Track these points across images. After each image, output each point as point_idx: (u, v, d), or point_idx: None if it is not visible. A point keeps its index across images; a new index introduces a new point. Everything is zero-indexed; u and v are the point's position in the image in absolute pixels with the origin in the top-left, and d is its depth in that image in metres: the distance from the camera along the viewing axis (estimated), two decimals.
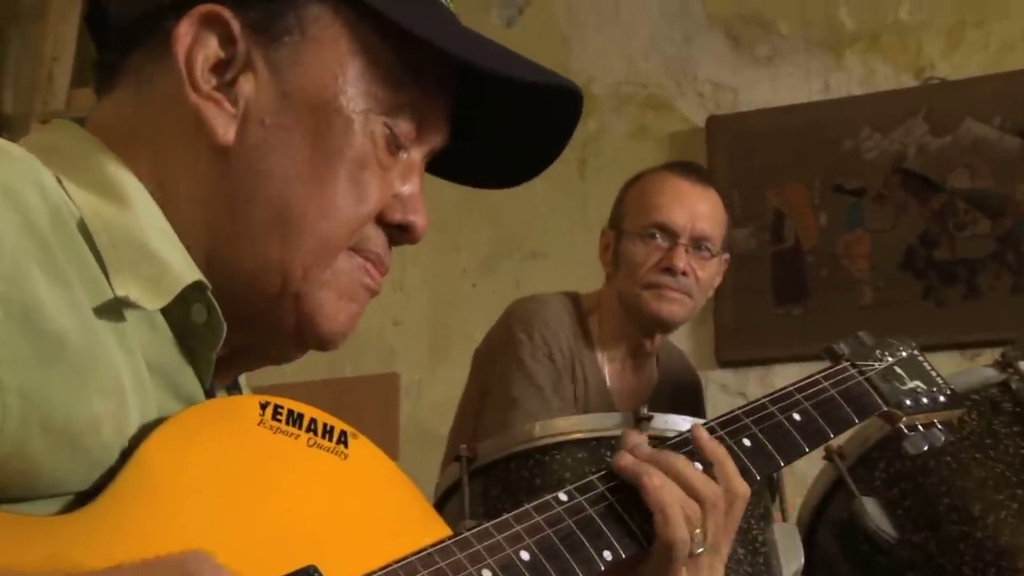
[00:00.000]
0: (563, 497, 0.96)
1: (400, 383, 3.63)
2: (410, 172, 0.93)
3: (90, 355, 0.74)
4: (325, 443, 0.86)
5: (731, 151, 3.43)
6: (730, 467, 1.03)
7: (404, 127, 0.92)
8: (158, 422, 0.78)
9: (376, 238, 0.92)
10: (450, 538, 0.87)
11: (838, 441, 1.75)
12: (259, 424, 0.83)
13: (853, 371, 1.23)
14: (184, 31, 0.87)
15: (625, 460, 1.00)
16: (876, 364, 1.25)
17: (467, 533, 0.88)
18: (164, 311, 0.83)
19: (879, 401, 1.23)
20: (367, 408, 3.49)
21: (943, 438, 1.26)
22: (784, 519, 1.84)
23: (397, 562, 0.82)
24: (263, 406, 0.84)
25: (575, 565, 0.91)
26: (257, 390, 0.97)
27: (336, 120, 0.88)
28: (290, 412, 0.85)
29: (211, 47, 0.87)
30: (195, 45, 0.87)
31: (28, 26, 3.96)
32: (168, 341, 0.84)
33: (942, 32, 3.39)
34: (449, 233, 3.61)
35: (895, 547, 1.70)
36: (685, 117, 3.56)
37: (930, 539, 1.68)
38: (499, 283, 3.57)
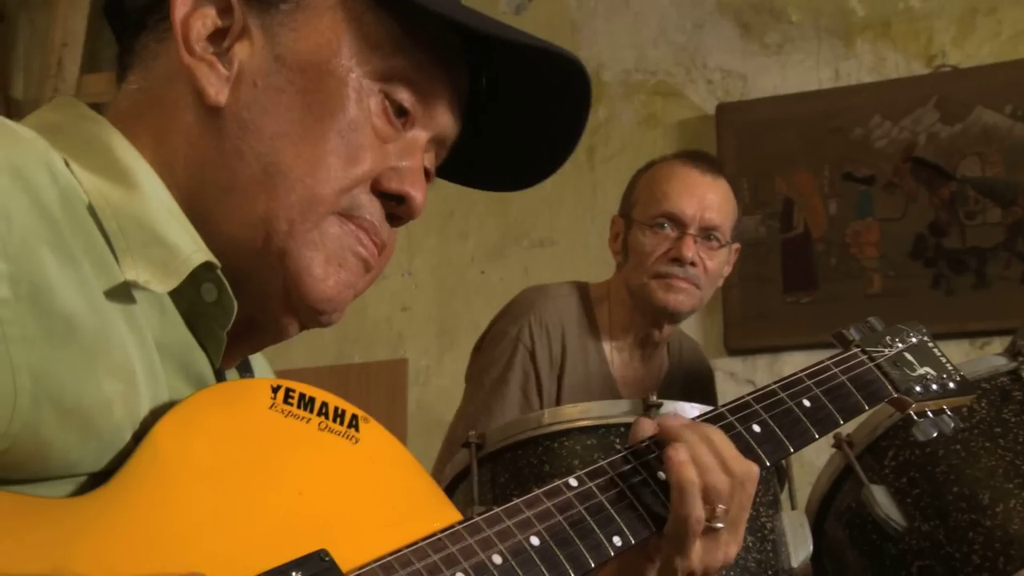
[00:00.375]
0: (573, 483, 0.96)
1: (408, 369, 3.63)
2: (412, 149, 0.93)
3: (100, 336, 0.74)
4: (336, 427, 0.86)
5: (740, 139, 3.42)
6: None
7: (402, 97, 0.92)
8: (169, 404, 0.78)
9: (370, 206, 0.91)
10: (460, 523, 0.87)
11: (847, 429, 1.75)
12: (270, 407, 0.83)
13: (863, 357, 1.22)
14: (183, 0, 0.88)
15: (670, 422, 1.01)
16: (886, 350, 1.24)
17: (477, 518, 0.88)
18: (174, 293, 0.83)
19: (889, 388, 1.23)
20: (375, 394, 3.49)
21: (953, 425, 1.26)
22: (793, 507, 1.84)
23: (408, 547, 0.83)
24: (275, 389, 0.84)
25: (584, 551, 0.91)
26: None
27: (328, 81, 0.88)
28: (301, 395, 0.85)
29: (209, 16, 0.89)
30: (193, 12, 0.88)
31: (37, 12, 3.96)
32: (178, 322, 0.85)
33: (953, 20, 3.37)
34: (457, 220, 3.61)
35: (904, 535, 1.69)
36: (695, 105, 3.55)
37: (939, 528, 1.67)
38: (507, 271, 3.57)
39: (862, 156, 3.32)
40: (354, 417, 0.88)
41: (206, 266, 0.83)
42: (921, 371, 1.26)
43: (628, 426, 1.73)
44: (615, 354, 2.28)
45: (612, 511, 0.95)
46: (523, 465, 1.78)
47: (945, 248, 3.23)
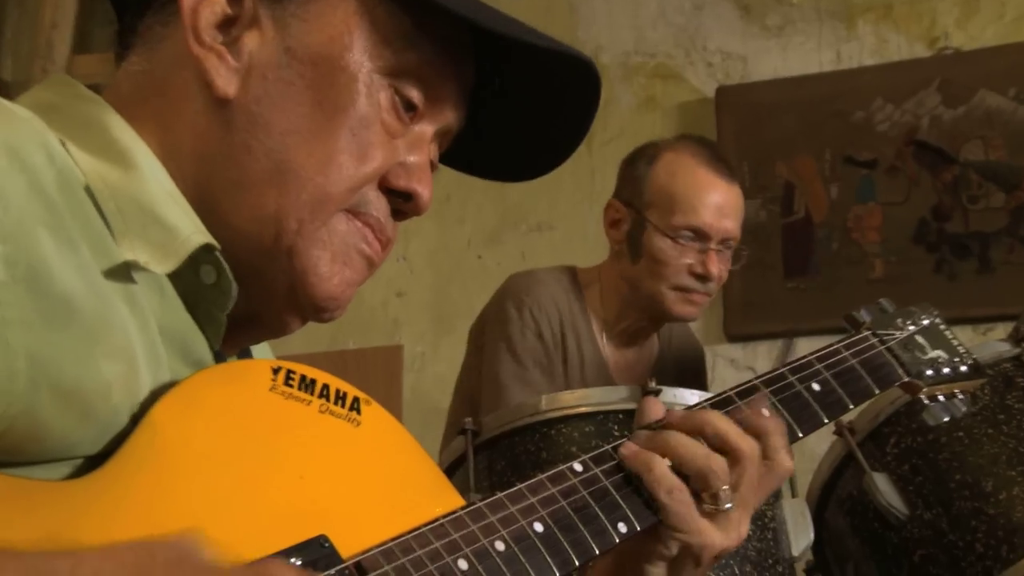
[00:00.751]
0: (578, 467, 0.95)
1: (403, 356, 3.63)
2: (419, 144, 0.93)
3: (99, 318, 0.73)
4: (337, 409, 0.86)
5: (740, 122, 3.42)
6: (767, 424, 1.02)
7: (412, 93, 0.92)
8: (169, 386, 0.78)
9: (377, 202, 0.91)
10: (463, 508, 0.86)
11: (848, 416, 1.75)
12: (271, 389, 0.82)
13: (874, 340, 1.22)
14: None
15: (629, 449, 0.98)
16: (897, 333, 1.24)
17: (480, 504, 0.88)
18: (173, 275, 0.83)
19: (900, 371, 1.22)
20: (370, 381, 3.49)
21: (964, 409, 1.25)
22: (793, 495, 1.84)
23: (409, 532, 0.82)
24: (275, 371, 0.83)
25: (589, 537, 0.91)
26: None
27: (339, 76, 0.88)
28: (302, 377, 0.84)
29: (219, 3, 0.88)
30: (202, 0, 0.87)
31: None
32: (178, 305, 0.84)
33: (956, 1, 3.37)
34: (454, 205, 3.61)
35: (906, 524, 1.70)
36: (694, 87, 3.55)
37: (941, 516, 1.68)
38: (504, 256, 3.56)
39: (864, 140, 3.32)
40: (356, 399, 0.87)
41: (205, 248, 0.82)
42: (932, 354, 1.26)
43: (627, 412, 1.74)
44: (606, 339, 2.28)
45: (617, 497, 0.94)
46: (520, 452, 1.78)
47: (948, 233, 3.23)
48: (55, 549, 0.65)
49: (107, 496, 0.71)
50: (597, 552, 0.91)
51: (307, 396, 0.84)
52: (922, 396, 1.24)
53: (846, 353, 1.18)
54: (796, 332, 3.19)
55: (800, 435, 1.09)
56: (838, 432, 1.81)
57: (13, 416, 0.68)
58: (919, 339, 1.26)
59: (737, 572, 1.64)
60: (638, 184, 2.22)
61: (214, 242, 0.83)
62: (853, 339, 1.21)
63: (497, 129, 1.02)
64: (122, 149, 0.84)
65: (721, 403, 1.06)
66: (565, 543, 0.89)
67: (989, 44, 3.29)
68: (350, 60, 0.88)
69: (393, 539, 0.81)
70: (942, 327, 1.30)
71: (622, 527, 0.93)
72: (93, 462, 0.73)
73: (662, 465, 0.97)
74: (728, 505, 0.97)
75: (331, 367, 0.87)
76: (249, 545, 0.74)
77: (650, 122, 3.52)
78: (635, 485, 0.96)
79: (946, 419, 1.24)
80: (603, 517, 0.93)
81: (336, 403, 0.86)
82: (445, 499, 0.88)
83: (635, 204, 2.22)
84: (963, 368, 1.28)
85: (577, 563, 0.89)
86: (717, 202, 2.16)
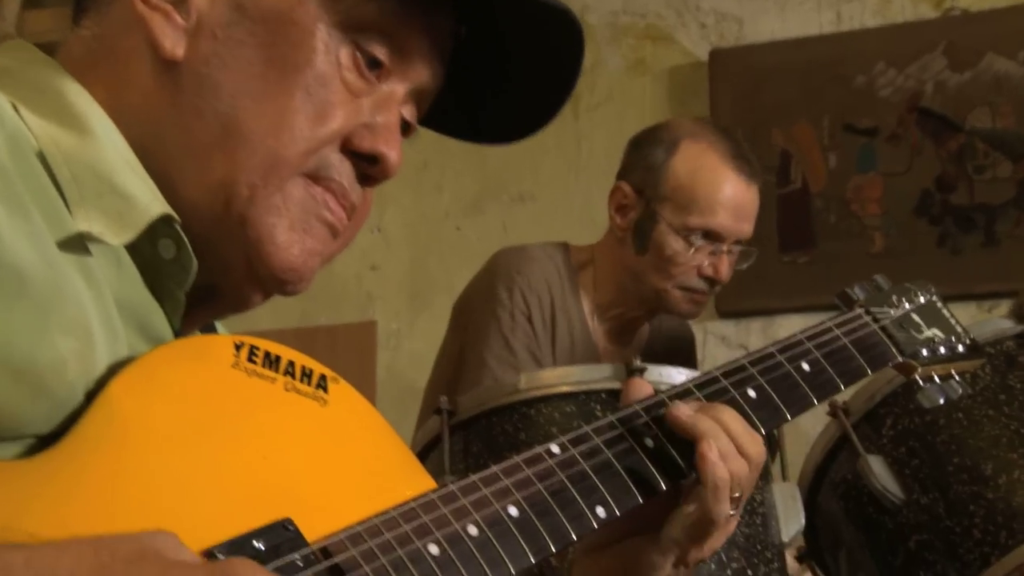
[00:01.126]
0: (555, 449, 0.96)
1: (377, 332, 3.63)
2: (387, 103, 0.93)
3: (53, 290, 0.74)
4: (303, 387, 0.86)
5: (735, 87, 3.42)
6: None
7: (375, 48, 0.91)
8: (127, 362, 0.78)
9: (340, 166, 0.91)
10: (434, 491, 0.87)
11: (843, 396, 1.76)
12: (233, 366, 0.83)
13: (867, 318, 1.22)
14: None
15: (681, 412, 1.00)
16: (892, 311, 1.24)
17: (452, 487, 0.88)
18: (130, 247, 0.83)
19: (894, 351, 1.23)
20: (342, 359, 3.49)
21: (961, 391, 1.26)
22: (784, 478, 1.86)
23: (378, 516, 0.83)
24: (238, 347, 0.84)
25: (566, 521, 0.91)
26: None
27: (292, 32, 0.88)
28: (267, 354, 0.85)
29: None
30: None
31: None
32: (135, 279, 0.84)
33: None
34: (431, 172, 3.60)
35: (901, 508, 1.71)
36: (687, 50, 3.55)
37: (938, 500, 1.69)
38: (484, 227, 3.57)
39: (865, 106, 3.32)
40: (322, 377, 0.88)
41: (164, 220, 0.83)
42: (929, 333, 1.26)
43: (610, 392, 1.75)
44: (597, 323, 2.29)
45: (596, 480, 0.95)
46: (498, 433, 1.78)
47: (952, 204, 3.24)
48: (5, 536, 0.65)
49: (61, 477, 0.71)
50: (574, 537, 0.91)
51: (271, 373, 0.85)
52: (917, 377, 1.25)
53: (837, 332, 1.18)
54: (791, 309, 3.21)
55: (788, 417, 1.09)
56: (832, 413, 1.82)
57: None
58: (915, 317, 1.26)
59: (724, 558, 1.66)
60: (654, 174, 2.20)
61: (173, 213, 0.83)
62: (845, 317, 1.21)
63: (476, 88, 1.01)
64: (77, 114, 0.84)
65: (706, 383, 1.07)
66: (541, 528, 0.89)
67: (998, 5, 3.30)
68: (304, 14, 0.88)
69: (360, 523, 0.82)
70: (939, 305, 1.30)
71: (600, 511, 0.94)
72: (45, 442, 0.73)
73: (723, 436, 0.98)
74: (733, 512, 0.99)
75: (300, 344, 0.88)
76: (210, 527, 0.75)
77: (639, 86, 3.53)
78: (615, 469, 0.97)
79: (942, 401, 1.25)
80: (580, 501, 0.93)
81: (302, 381, 0.86)
82: (415, 481, 0.89)
83: (647, 194, 2.20)
84: (960, 348, 1.28)
85: (553, 549, 0.89)
86: (737, 205, 2.17)
